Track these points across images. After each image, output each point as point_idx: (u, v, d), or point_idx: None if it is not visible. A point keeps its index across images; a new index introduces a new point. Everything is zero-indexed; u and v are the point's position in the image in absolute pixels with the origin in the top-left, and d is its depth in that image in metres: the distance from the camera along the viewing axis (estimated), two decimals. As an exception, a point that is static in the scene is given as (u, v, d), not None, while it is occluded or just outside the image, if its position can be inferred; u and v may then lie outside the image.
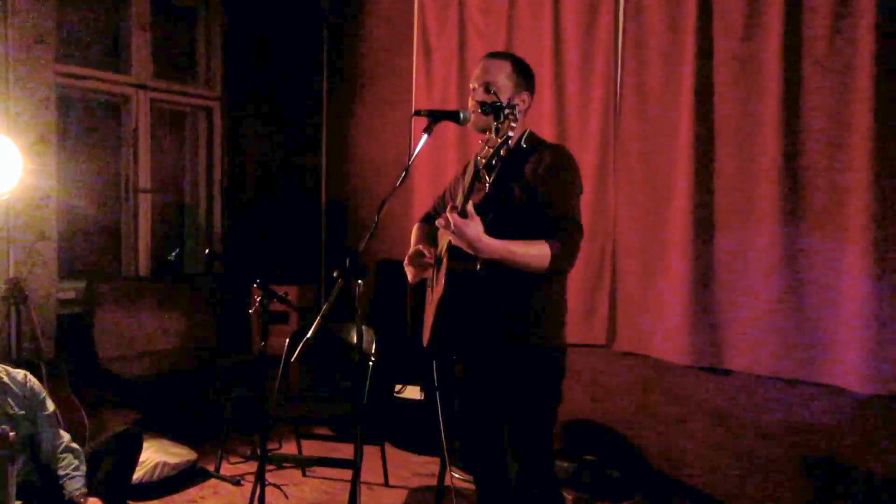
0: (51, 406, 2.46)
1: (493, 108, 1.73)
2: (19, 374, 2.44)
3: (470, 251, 1.77)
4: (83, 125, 4.02)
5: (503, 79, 2.01)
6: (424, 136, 1.96)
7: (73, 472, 2.35)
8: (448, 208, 1.76)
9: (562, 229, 1.88)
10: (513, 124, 1.68)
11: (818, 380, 2.68)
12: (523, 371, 1.96)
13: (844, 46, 2.59)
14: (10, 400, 2.37)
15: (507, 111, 1.69)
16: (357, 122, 4.59)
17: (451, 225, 1.71)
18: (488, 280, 1.87)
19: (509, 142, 1.69)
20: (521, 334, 1.96)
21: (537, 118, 3.38)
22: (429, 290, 2.17)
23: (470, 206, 1.73)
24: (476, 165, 1.77)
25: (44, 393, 2.48)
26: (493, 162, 1.69)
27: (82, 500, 2.29)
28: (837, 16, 2.60)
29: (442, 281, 1.93)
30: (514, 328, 1.96)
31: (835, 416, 2.66)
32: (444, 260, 1.94)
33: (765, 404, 2.85)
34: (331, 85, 4.75)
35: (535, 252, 1.83)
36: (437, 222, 1.77)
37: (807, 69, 2.68)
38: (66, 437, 2.45)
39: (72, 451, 2.41)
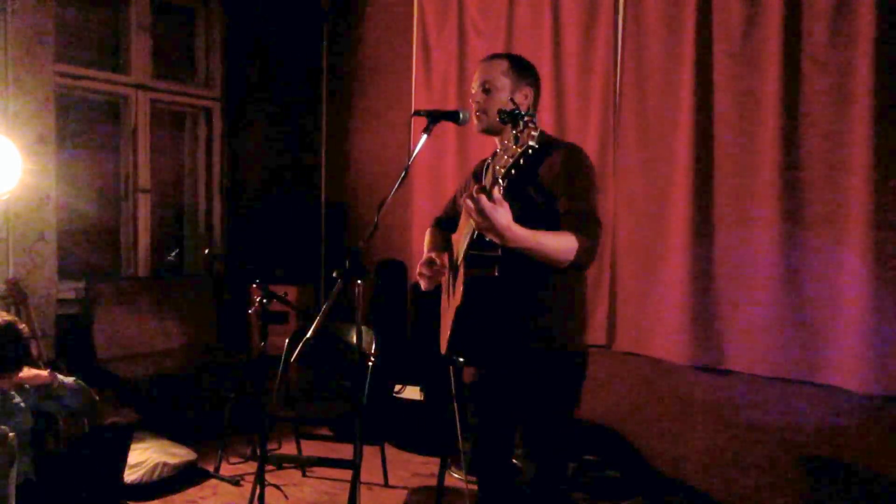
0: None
1: (511, 117, 1.66)
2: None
3: (495, 238, 1.70)
4: (82, 125, 4.02)
5: (500, 77, 1.98)
6: (424, 136, 1.95)
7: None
8: (475, 189, 1.67)
9: (586, 225, 1.84)
10: (533, 133, 1.62)
11: (818, 380, 2.68)
12: (545, 376, 1.93)
13: (844, 46, 2.59)
14: (13, 391, 2.40)
15: (525, 119, 1.63)
16: (357, 122, 4.59)
17: (480, 206, 1.62)
18: (508, 286, 1.83)
19: (530, 149, 1.64)
20: (542, 339, 1.93)
21: (537, 118, 3.38)
22: (444, 296, 2.14)
23: (497, 193, 1.65)
24: (494, 174, 1.70)
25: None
26: (513, 172, 1.63)
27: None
28: (836, 15, 2.59)
29: (461, 288, 1.89)
30: (536, 333, 1.92)
31: (834, 416, 2.66)
32: (461, 268, 1.90)
33: (764, 404, 2.84)
34: (330, 85, 4.75)
35: (563, 243, 1.79)
36: (462, 201, 1.69)
37: (806, 68, 2.68)
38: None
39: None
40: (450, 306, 2.03)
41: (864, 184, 2.52)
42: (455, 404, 2.29)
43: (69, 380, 2.51)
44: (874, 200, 2.50)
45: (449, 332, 1.96)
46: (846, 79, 2.58)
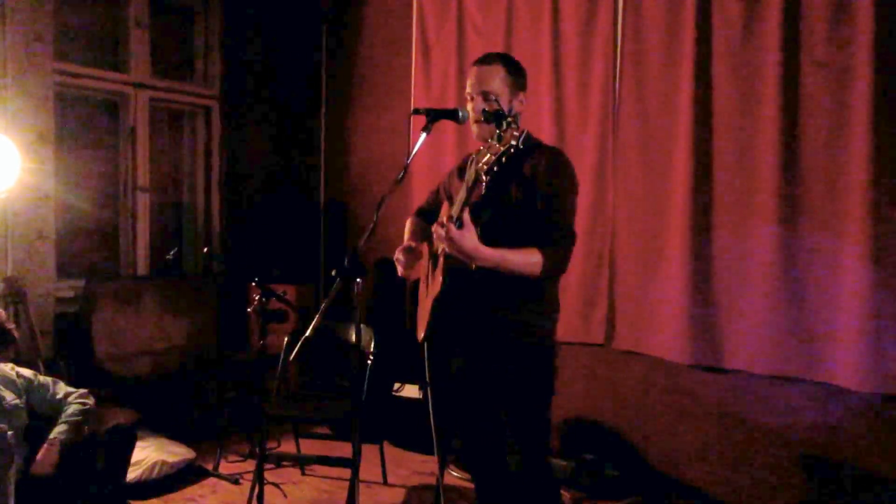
0: (48, 385, 2.54)
1: (495, 117, 1.74)
2: (6, 366, 2.52)
3: (465, 259, 1.82)
4: (81, 124, 4.02)
5: (499, 84, 2.02)
6: (423, 135, 1.97)
7: (65, 417, 2.47)
8: (445, 218, 1.80)
9: (556, 237, 1.93)
10: (515, 133, 1.70)
11: (816, 378, 2.69)
12: (519, 366, 1.99)
13: (842, 45, 2.59)
14: (3, 390, 2.40)
15: (509, 119, 1.70)
16: (356, 121, 4.59)
17: (448, 235, 1.75)
18: (485, 276, 1.90)
19: (512, 149, 1.70)
20: (516, 330, 1.99)
21: (536, 118, 3.38)
22: (423, 284, 2.19)
23: (467, 216, 1.77)
24: (477, 173, 1.79)
25: (38, 376, 2.56)
26: (495, 169, 1.71)
27: (49, 446, 2.39)
28: (836, 13, 2.60)
29: (440, 277, 1.95)
30: (510, 324, 1.99)
31: (833, 414, 2.67)
32: (441, 259, 1.95)
33: (763, 403, 2.85)
34: (329, 83, 4.74)
35: (528, 260, 1.88)
36: (433, 230, 1.82)
37: (805, 68, 2.69)
38: (65, 389, 2.55)
39: (74, 400, 2.52)
40: (428, 294, 2.08)
41: (863, 182, 2.52)
42: (429, 392, 2.33)
43: (65, 416, 2.49)
44: (873, 199, 2.50)
45: (426, 320, 2.03)
46: (845, 77, 2.58)
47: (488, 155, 1.74)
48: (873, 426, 2.58)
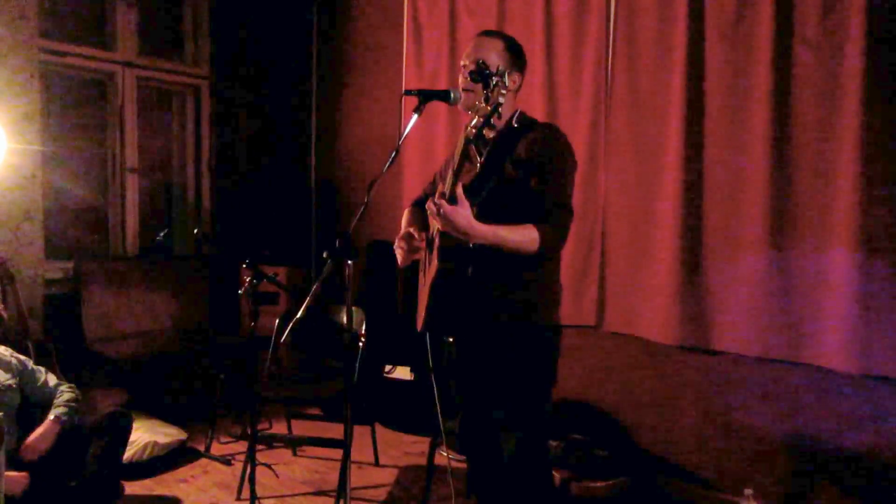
0: (40, 373, 2.56)
1: (482, 76, 1.70)
2: (0, 347, 2.54)
3: (459, 237, 1.77)
4: (68, 103, 3.96)
5: (494, 56, 1.99)
6: (414, 116, 1.95)
7: (62, 402, 2.51)
8: (437, 194, 1.75)
9: (553, 214, 1.89)
10: (503, 91, 1.65)
11: (803, 360, 2.71)
12: (519, 350, 1.96)
13: (835, 29, 2.58)
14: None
15: (496, 78, 1.66)
16: (347, 102, 4.55)
17: (440, 211, 1.71)
18: (482, 255, 1.87)
19: (493, 118, 1.66)
20: (516, 312, 1.96)
21: (528, 96, 3.36)
22: (421, 273, 2.16)
23: (459, 191, 1.72)
24: (466, 138, 1.75)
25: (30, 363, 2.59)
26: (484, 132, 1.67)
27: (52, 422, 2.43)
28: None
29: (435, 262, 1.92)
30: (510, 306, 1.95)
31: (819, 395, 2.70)
32: (437, 240, 1.93)
33: (751, 384, 2.88)
34: (320, 64, 4.70)
35: (525, 237, 1.84)
36: (426, 206, 1.77)
37: (797, 46, 2.68)
38: (55, 379, 2.60)
39: (66, 388, 2.57)
40: (425, 283, 2.04)
41: (851, 166, 2.53)
42: (433, 379, 2.31)
43: (62, 401, 2.51)
44: (862, 185, 2.51)
45: (426, 306, 1.99)
46: (836, 61, 2.58)
47: (476, 118, 1.69)
48: (856, 406, 2.61)
